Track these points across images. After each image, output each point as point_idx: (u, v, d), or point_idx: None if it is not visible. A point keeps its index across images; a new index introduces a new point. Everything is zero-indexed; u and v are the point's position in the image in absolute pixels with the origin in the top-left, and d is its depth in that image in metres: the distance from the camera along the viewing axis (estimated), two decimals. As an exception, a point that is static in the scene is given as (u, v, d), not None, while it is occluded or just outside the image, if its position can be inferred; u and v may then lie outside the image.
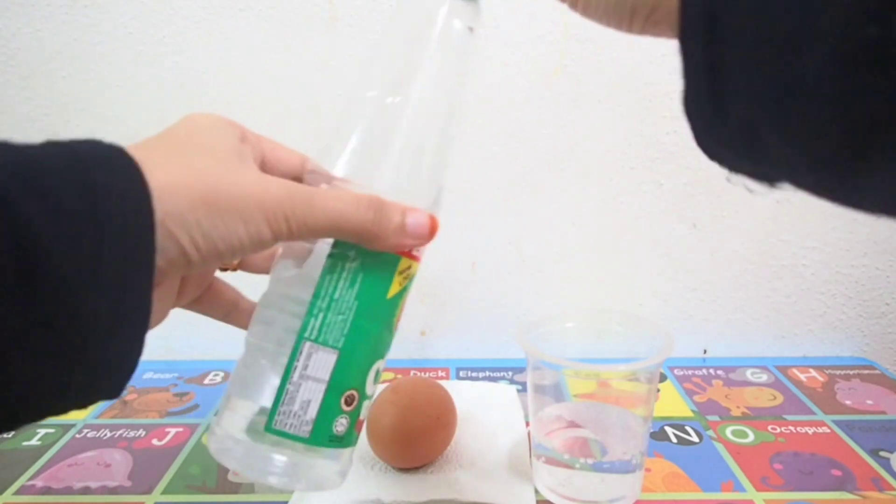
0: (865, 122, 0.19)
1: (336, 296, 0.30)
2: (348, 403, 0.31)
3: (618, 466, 0.43)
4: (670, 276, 0.66)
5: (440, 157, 0.32)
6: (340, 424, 0.31)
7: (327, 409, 0.30)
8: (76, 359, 0.22)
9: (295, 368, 0.29)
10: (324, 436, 0.30)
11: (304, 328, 0.30)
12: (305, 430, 0.30)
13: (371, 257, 0.30)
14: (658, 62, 0.61)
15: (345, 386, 0.31)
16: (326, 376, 0.30)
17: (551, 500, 0.44)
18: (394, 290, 0.32)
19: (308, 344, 0.30)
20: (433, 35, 0.31)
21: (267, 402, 0.29)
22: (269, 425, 0.29)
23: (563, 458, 0.44)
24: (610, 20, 0.26)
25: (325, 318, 0.30)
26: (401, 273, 0.32)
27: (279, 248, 0.33)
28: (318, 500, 0.43)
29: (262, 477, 0.30)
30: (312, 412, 0.30)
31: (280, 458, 0.29)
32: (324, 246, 0.30)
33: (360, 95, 0.32)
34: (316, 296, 0.30)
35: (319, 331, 0.30)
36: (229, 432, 0.30)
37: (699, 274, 0.66)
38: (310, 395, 0.30)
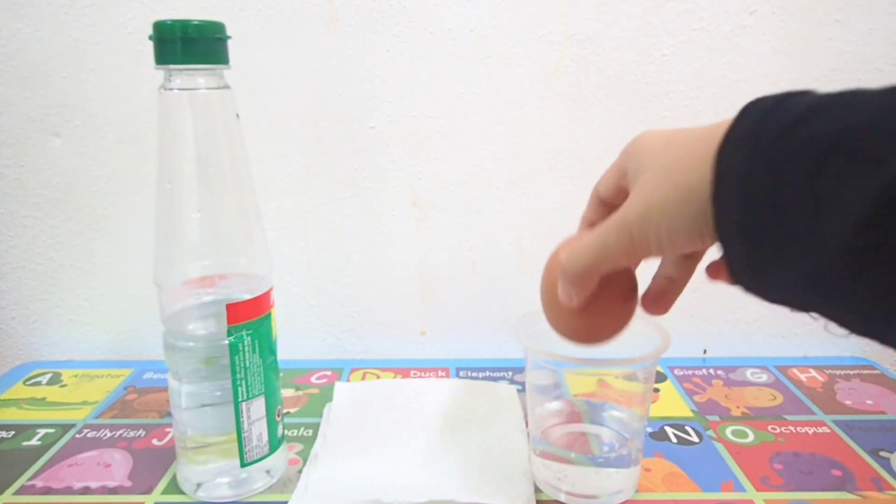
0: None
1: (247, 364, 0.42)
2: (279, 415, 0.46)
3: (615, 461, 0.44)
4: (670, 276, 0.66)
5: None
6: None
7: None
8: None
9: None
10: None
11: (236, 395, 0.42)
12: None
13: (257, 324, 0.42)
14: (658, 62, 0.61)
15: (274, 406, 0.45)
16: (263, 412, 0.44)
17: (549, 493, 0.44)
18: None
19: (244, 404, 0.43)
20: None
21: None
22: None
23: (560, 453, 0.44)
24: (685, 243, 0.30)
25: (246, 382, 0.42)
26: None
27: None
28: (318, 501, 0.43)
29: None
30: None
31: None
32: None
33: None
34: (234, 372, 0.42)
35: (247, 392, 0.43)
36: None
37: (699, 274, 0.65)
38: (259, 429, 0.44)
